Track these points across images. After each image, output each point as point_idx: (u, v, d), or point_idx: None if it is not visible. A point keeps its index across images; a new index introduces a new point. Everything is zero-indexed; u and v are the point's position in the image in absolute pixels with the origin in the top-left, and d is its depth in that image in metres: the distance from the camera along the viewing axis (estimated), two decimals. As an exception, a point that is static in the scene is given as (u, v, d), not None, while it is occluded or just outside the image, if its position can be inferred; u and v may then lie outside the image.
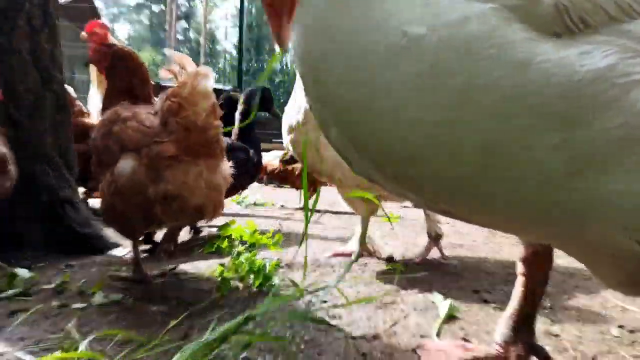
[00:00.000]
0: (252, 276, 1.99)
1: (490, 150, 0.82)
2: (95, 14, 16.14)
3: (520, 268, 1.32)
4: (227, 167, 1.95)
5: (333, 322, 1.65)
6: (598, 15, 0.85)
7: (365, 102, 0.86)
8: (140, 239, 2.28)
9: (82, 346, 1.29)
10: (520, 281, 1.32)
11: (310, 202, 5.08)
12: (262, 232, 2.22)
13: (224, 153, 1.90)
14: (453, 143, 0.84)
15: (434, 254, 2.66)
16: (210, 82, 1.75)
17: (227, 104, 3.91)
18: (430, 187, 0.92)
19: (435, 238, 2.63)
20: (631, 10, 0.86)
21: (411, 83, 0.83)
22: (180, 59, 1.90)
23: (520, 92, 0.80)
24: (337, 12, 0.88)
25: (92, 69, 4.73)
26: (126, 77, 2.12)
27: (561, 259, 2.65)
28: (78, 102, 3.87)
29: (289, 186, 5.42)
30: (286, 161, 5.09)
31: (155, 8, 45.69)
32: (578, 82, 0.79)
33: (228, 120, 4.00)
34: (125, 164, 1.77)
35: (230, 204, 5.02)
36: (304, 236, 1.27)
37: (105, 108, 2.10)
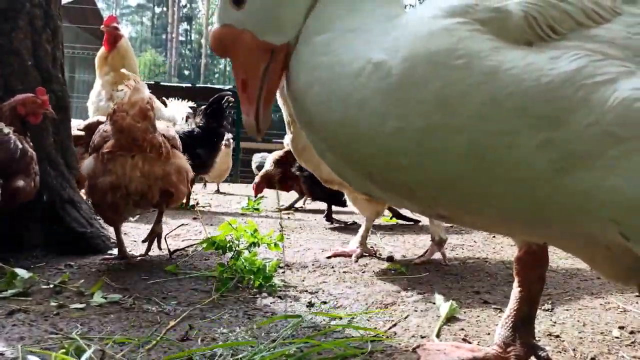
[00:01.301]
0: (252, 276, 1.99)
1: (477, 152, 0.88)
2: (97, 15, 16.15)
3: (515, 268, 1.32)
4: (179, 160, 2.35)
5: (333, 322, 1.65)
6: (566, 23, 0.91)
7: (342, 117, 0.95)
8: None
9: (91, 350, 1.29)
10: (516, 281, 1.32)
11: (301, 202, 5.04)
12: (261, 230, 2.22)
13: (162, 148, 2.22)
14: (439, 147, 0.89)
15: (436, 256, 2.65)
16: (142, 94, 2.20)
17: (218, 102, 4.59)
18: (424, 193, 0.97)
19: (438, 243, 2.61)
20: (596, 15, 0.91)
21: (383, 97, 0.91)
22: (132, 78, 2.32)
23: (495, 96, 0.86)
24: (320, 53, 0.99)
25: (96, 64, 4.78)
26: None
27: (562, 260, 2.64)
28: None
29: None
30: (281, 163, 4.57)
31: (157, 9, 45.79)
32: (547, 84, 0.85)
33: (218, 116, 4.45)
34: (87, 161, 2.28)
35: (230, 204, 5.01)
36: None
37: None
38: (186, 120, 4.62)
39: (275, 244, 2.19)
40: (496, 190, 0.89)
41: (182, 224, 3.19)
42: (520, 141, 0.85)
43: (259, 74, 1.06)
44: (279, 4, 1.04)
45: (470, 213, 0.97)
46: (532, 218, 0.92)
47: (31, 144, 2.17)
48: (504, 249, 3.05)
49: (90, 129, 3.66)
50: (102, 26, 4.79)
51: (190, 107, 4.76)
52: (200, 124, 4.51)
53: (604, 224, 0.87)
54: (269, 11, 1.04)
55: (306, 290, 2.00)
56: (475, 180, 0.90)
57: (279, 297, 1.90)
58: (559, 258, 2.67)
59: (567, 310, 1.85)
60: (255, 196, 4.83)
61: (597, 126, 0.83)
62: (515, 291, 1.31)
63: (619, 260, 0.96)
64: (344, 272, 2.32)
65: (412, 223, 4.10)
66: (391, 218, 4.19)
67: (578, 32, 0.90)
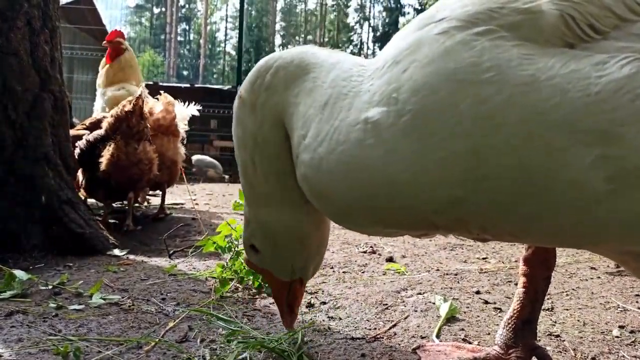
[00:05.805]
0: (251, 277, 1.98)
1: (527, 174, 0.80)
2: (95, 16, 16.11)
3: (522, 268, 1.30)
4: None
5: (333, 323, 1.64)
6: (607, 19, 0.81)
7: (372, 184, 0.91)
8: None
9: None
10: (522, 281, 1.30)
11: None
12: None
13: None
14: (489, 171, 0.81)
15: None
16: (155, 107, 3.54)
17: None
18: (475, 223, 0.90)
19: None
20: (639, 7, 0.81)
21: (407, 138, 0.85)
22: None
23: (536, 110, 0.77)
24: (317, 146, 0.98)
25: (101, 69, 4.76)
26: None
27: (561, 259, 2.64)
28: None
29: None
30: None
31: (156, 10, 45.76)
32: (597, 94, 0.76)
33: None
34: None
35: (228, 204, 5.01)
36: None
37: None
38: None
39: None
40: (549, 214, 0.82)
41: (182, 224, 3.18)
42: (572, 159, 0.77)
43: (283, 300, 1.31)
44: (280, 256, 1.25)
45: (516, 236, 0.91)
46: (583, 239, 0.86)
47: None
48: (503, 248, 3.04)
49: (96, 125, 3.66)
50: (104, 42, 4.78)
51: (197, 110, 4.58)
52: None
53: None
54: (276, 260, 1.27)
55: (305, 291, 1.99)
56: (528, 205, 0.82)
57: (279, 297, 1.89)
58: (558, 257, 2.66)
59: (567, 310, 1.84)
60: None
61: None
62: (520, 291, 1.29)
63: None
64: (344, 272, 2.32)
65: None
66: None
67: (623, 29, 0.81)
